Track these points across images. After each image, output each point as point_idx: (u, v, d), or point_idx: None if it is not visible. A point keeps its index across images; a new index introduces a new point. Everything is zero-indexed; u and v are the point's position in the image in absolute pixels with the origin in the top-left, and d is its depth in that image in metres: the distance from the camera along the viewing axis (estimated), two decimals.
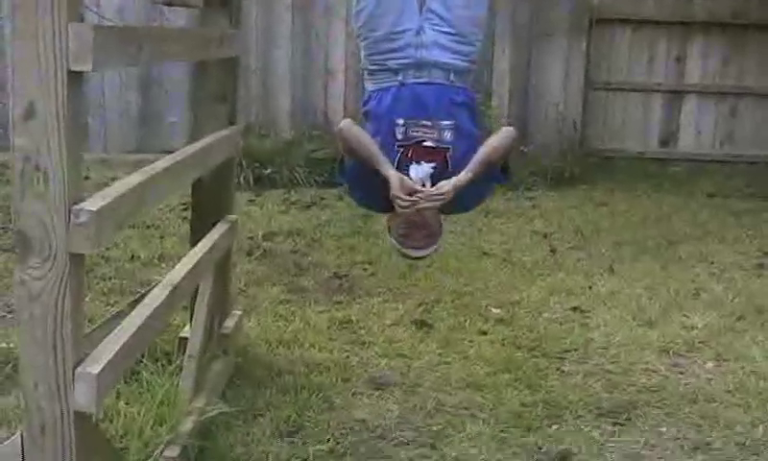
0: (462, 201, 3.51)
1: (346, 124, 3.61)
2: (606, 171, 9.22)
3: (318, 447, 3.59)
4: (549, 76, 9.49)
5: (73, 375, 2.29)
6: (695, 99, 9.69)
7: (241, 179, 8.04)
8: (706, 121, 9.70)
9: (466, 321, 5.05)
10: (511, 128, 3.71)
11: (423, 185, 3.46)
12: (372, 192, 3.53)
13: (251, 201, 7.80)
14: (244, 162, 8.21)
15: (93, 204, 2.27)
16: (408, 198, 3.35)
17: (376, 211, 3.90)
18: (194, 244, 3.88)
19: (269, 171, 8.49)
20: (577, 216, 7.68)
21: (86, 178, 6.68)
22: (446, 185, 3.39)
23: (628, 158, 9.61)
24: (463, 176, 3.40)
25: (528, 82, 9.48)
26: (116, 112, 9.14)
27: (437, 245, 3.58)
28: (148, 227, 6.66)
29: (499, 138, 3.55)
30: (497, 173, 3.63)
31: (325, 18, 9.24)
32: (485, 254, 6.44)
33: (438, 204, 3.40)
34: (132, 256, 5.95)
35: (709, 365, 4.56)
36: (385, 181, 3.39)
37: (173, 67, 8.82)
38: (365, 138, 3.50)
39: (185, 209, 6.69)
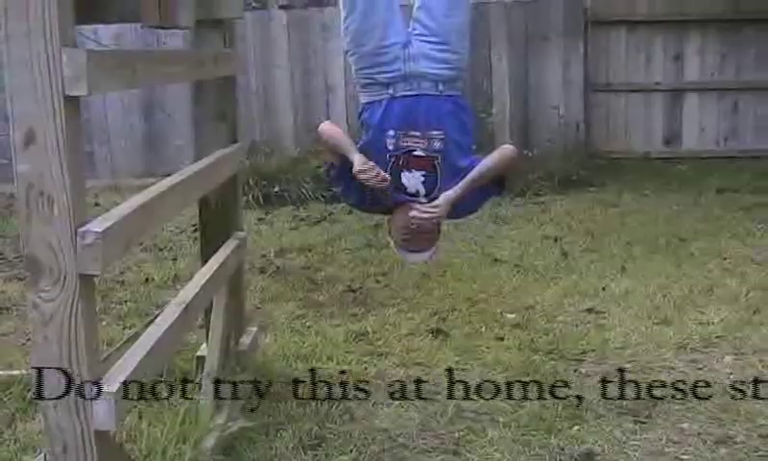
0: (454, 210, 3.66)
1: (324, 124, 3.79)
2: (613, 172, 9.24)
3: (341, 457, 3.58)
4: (548, 79, 9.56)
5: None
6: (696, 96, 9.73)
7: (250, 197, 8.08)
8: (708, 118, 9.73)
9: (481, 327, 5.05)
10: (510, 147, 3.82)
11: (417, 192, 3.62)
12: (362, 192, 3.66)
13: (260, 219, 7.82)
14: (251, 181, 8.25)
15: (99, 225, 2.30)
16: (368, 169, 3.47)
17: (371, 212, 4.13)
18: (205, 262, 3.90)
19: (277, 189, 8.52)
20: (587, 218, 7.68)
21: (96, 204, 6.73)
22: (441, 202, 3.57)
23: (634, 159, 9.66)
24: (452, 193, 3.59)
25: (527, 86, 9.52)
26: (121, 138, 9.23)
27: (436, 248, 3.74)
28: (161, 249, 6.70)
29: (495, 159, 3.68)
30: (492, 187, 3.75)
31: (321, 35, 9.31)
32: (497, 260, 6.43)
33: (434, 217, 3.58)
34: (147, 279, 5.98)
35: (728, 359, 4.54)
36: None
37: (174, 91, 8.88)
38: (341, 135, 3.68)
39: (196, 230, 6.70)
